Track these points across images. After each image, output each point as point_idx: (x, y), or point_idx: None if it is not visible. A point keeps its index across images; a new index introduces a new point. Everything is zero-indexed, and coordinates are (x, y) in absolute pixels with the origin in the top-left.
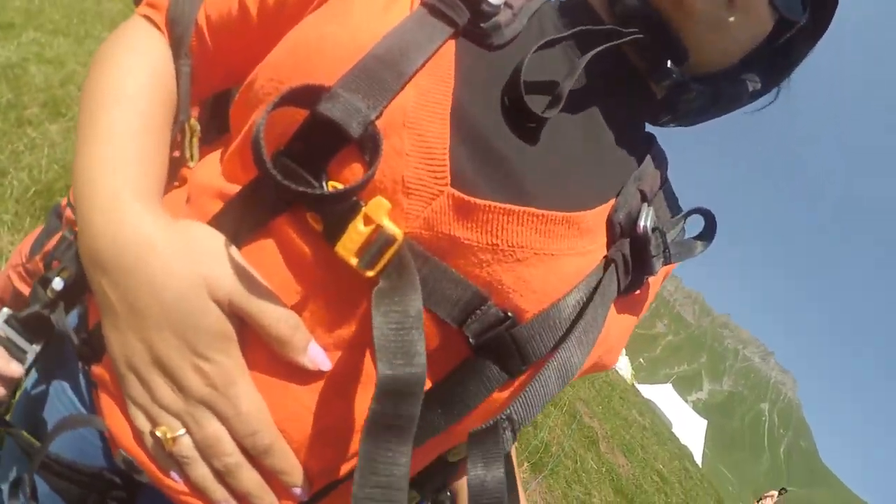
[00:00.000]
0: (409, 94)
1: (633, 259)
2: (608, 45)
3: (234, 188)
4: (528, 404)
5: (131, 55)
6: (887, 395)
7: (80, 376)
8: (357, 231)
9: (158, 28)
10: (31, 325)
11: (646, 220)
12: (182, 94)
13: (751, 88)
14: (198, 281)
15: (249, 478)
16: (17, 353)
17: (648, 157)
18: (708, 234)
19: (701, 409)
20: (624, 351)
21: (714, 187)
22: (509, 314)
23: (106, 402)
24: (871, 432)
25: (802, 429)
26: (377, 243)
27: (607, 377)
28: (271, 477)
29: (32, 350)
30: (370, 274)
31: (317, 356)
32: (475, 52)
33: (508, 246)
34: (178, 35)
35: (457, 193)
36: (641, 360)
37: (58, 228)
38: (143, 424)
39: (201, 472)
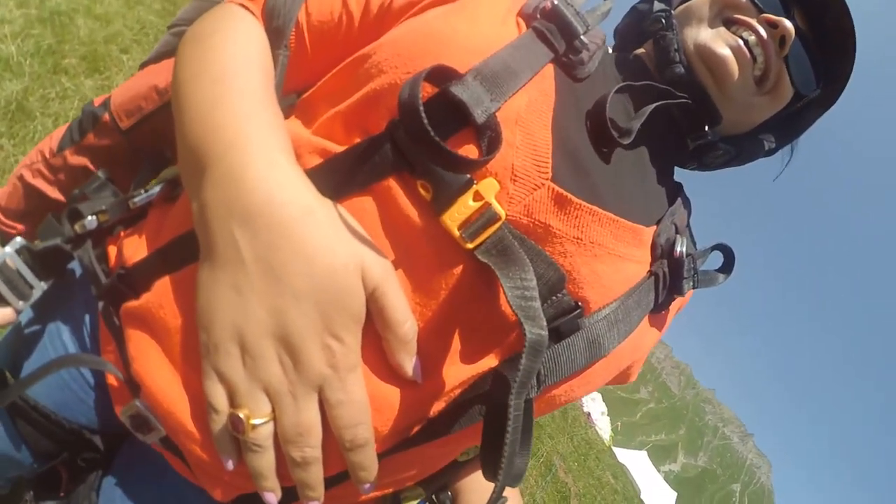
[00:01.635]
0: (521, 99)
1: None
2: (666, 101)
3: (337, 147)
4: (554, 360)
5: (240, 31)
6: (861, 501)
7: (86, 320)
8: (466, 205)
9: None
10: (47, 260)
11: (682, 247)
12: (277, 83)
13: (766, 147)
14: (355, 260)
15: (318, 472)
16: (23, 288)
17: (679, 199)
18: (727, 268)
19: (672, 480)
20: (606, 411)
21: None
22: (579, 304)
23: (139, 347)
24: None
25: None
26: (481, 219)
27: (586, 434)
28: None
29: (40, 287)
30: (469, 245)
31: (418, 367)
32: (564, 80)
33: (589, 241)
34: (276, 26)
35: (556, 187)
36: (620, 423)
37: (94, 124)
38: (220, 402)
39: (265, 462)
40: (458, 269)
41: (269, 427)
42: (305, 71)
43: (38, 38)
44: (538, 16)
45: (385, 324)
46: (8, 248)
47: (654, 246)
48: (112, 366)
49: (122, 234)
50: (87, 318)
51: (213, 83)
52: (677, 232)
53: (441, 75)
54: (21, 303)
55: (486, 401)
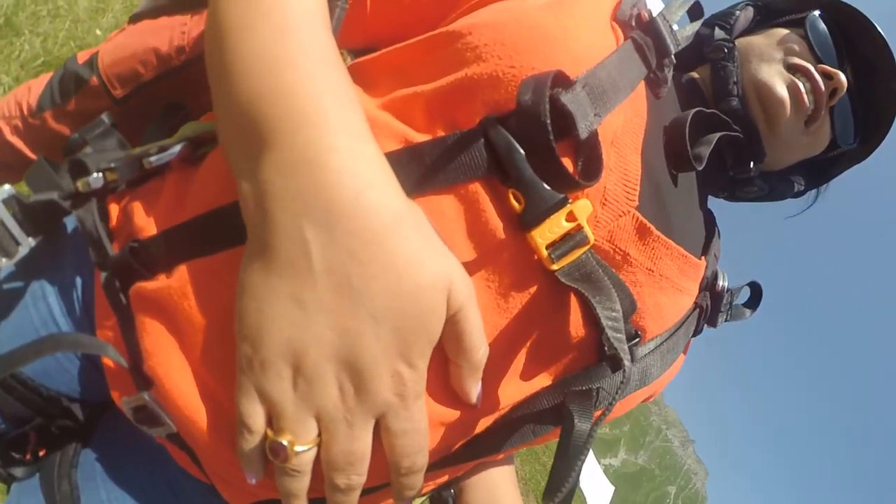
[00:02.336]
0: (618, 117)
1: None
2: (726, 133)
3: (420, 136)
4: (610, 389)
5: None
6: None
7: (77, 284)
8: (559, 224)
9: None
10: (38, 215)
11: (724, 281)
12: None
13: (796, 188)
14: (445, 279)
15: (356, 497)
16: (8, 244)
17: (717, 230)
18: (753, 303)
19: (611, 475)
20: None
21: None
22: (639, 333)
23: (157, 342)
24: None
25: None
26: (570, 241)
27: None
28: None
29: (28, 244)
30: (554, 267)
31: (480, 391)
32: (651, 99)
33: (660, 274)
34: None
35: (640, 217)
36: None
37: (79, 87)
38: (257, 423)
39: (301, 486)
40: (534, 290)
41: (313, 453)
42: (360, 30)
43: None
44: (633, 24)
45: (459, 349)
46: None
47: (702, 278)
48: (117, 352)
49: (128, 194)
50: (78, 281)
51: (274, 35)
52: (716, 264)
53: (557, 79)
54: (4, 260)
55: (539, 417)
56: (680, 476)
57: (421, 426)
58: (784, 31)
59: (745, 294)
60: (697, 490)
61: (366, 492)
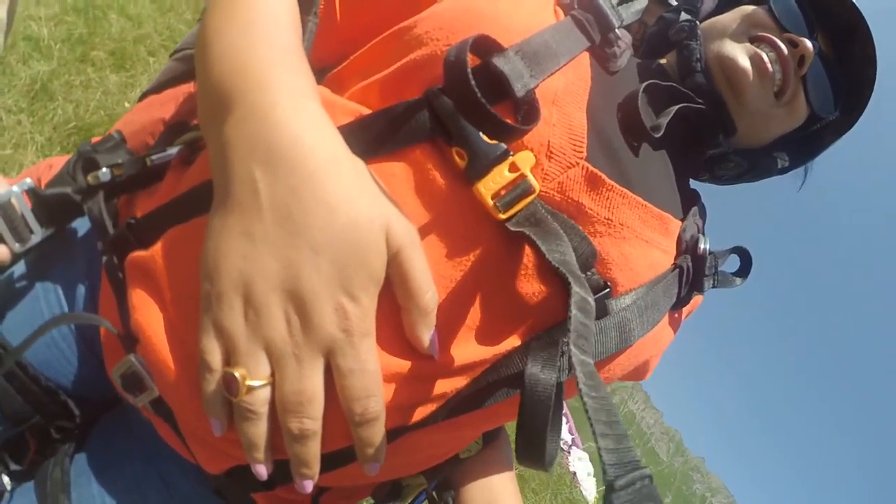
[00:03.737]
0: (559, 80)
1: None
2: (687, 104)
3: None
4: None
5: None
6: None
7: (85, 284)
8: (502, 175)
9: None
10: (53, 207)
11: (705, 244)
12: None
13: (780, 165)
14: (381, 218)
15: (315, 447)
16: (23, 230)
17: (697, 205)
18: (744, 271)
19: None
20: (593, 472)
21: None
22: (608, 284)
23: (141, 297)
24: None
25: None
26: (516, 191)
27: (570, 495)
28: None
29: (40, 233)
30: (502, 216)
31: (435, 340)
32: (598, 70)
33: (619, 223)
34: None
35: (590, 167)
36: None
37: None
38: (215, 359)
39: (258, 431)
40: (486, 241)
41: (266, 392)
42: (333, 40)
43: (71, 26)
44: (576, 5)
45: (406, 291)
46: (15, 188)
47: (679, 240)
48: (109, 323)
49: (136, 193)
50: (86, 282)
51: (241, 32)
52: (700, 231)
53: (484, 47)
54: (17, 245)
55: (513, 380)
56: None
57: (369, 367)
58: (749, 7)
59: (734, 263)
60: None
61: (332, 462)
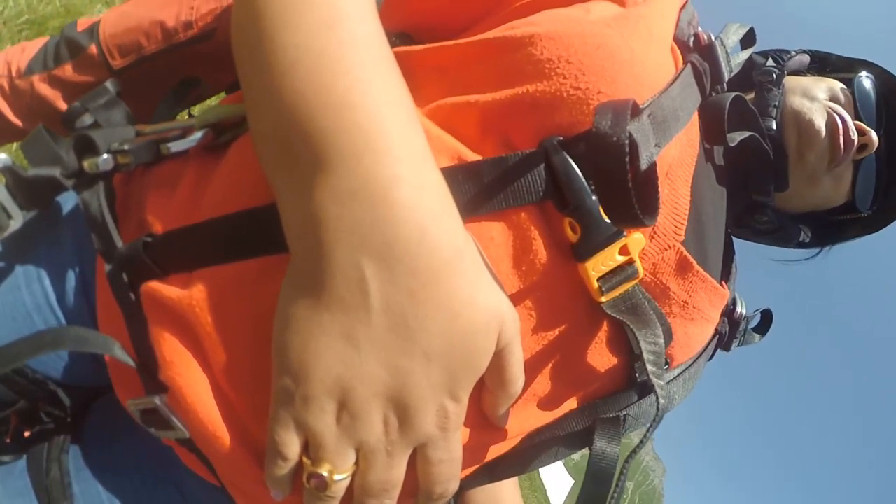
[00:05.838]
0: (675, 149)
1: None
2: (758, 136)
3: (472, 153)
4: (637, 415)
5: None
6: None
7: (75, 270)
8: (612, 257)
9: None
10: (35, 189)
11: (742, 308)
12: None
13: (801, 237)
14: (497, 318)
15: None
16: (0, 217)
17: (734, 252)
18: (763, 329)
19: (571, 468)
20: None
21: None
22: (667, 360)
23: (176, 351)
24: None
25: None
26: (622, 275)
27: None
28: None
29: (21, 217)
30: (602, 300)
31: (507, 416)
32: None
33: (693, 307)
34: None
35: (684, 251)
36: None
37: (75, 54)
38: (293, 452)
39: None
40: (574, 317)
41: (349, 480)
42: (398, 9)
43: None
44: (692, 45)
45: (500, 381)
46: None
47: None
48: (125, 352)
49: (138, 176)
50: (77, 262)
51: (326, 29)
52: (734, 293)
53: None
54: None
55: (563, 441)
56: (638, 472)
57: (457, 455)
58: (833, 81)
59: (756, 319)
60: (655, 487)
61: None
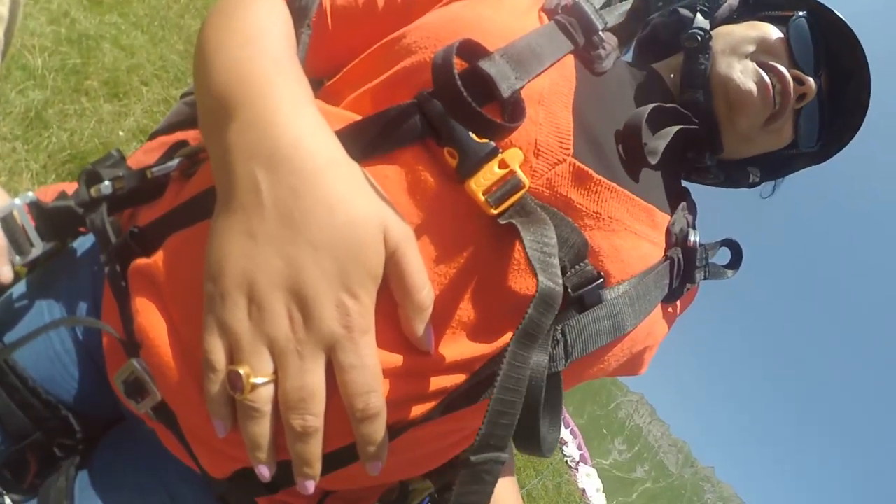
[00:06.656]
0: (544, 81)
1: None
2: (685, 126)
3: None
4: (580, 331)
5: (263, 5)
6: None
7: (86, 296)
8: (492, 171)
9: None
10: (55, 221)
11: (695, 237)
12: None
13: (751, 179)
14: (378, 217)
15: (317, 445)
16: (23, 243)
17: (686, 201)
18: (735, 263)
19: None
20: (601, 488)
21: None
22: (601, 274)
23: (143, 303)
24: None
25: None
26: (506, 186)
27: None
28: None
29: (41, 247)
30: (493, 211)
31: (430, 335)
32: (583, 71)
33: (608, 216)
34: (300, 6)
35: (577, 163)
36: (616, 502)
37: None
38: (218, 358)
39: (261, 430)
40: (477, 238)
41: (270, 389)
42: (326, 51)
43: (65, 56)
44: (560, 11)
45: (403, 288)
46: (17, 201)
47: (668, 233)
48: (109, 326)
49: (138, 207)
50: (89, 299)
51: (241, 46)
52: (689, 225)
53: (471, 51)
54: (18, 257)
55: None
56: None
57: (369, 362)
58: (767, 27)
59: (726, 256)
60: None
61: (335, 462)
